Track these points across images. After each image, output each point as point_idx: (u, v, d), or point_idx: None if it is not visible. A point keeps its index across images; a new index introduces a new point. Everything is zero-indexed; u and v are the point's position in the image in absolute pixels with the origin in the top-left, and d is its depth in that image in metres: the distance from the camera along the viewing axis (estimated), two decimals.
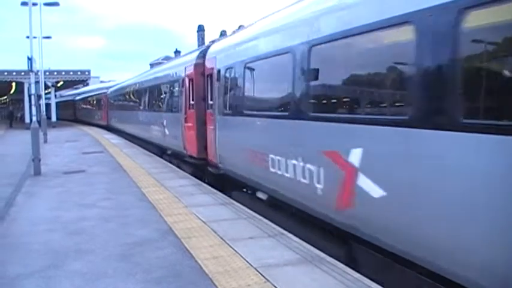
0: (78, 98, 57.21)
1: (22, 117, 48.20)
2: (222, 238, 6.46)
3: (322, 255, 5.73)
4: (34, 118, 15.61)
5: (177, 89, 14.68)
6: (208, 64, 11.76)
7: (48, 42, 63.60)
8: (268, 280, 4.92)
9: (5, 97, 79.11)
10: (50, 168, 14.01)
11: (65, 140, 25.83)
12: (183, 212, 8.08)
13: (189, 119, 13.05)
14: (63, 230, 7.23)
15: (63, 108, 62.69)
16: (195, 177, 12.13)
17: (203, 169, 12.57)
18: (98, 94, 42.18)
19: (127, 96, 26.89)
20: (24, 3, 23.87)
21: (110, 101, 34.65)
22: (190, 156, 13.11)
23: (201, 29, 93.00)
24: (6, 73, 43.80)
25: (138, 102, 23.08)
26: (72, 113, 59.14)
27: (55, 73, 47.28)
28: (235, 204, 8.68)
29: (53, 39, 49.95)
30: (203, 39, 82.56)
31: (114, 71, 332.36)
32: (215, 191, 10.10)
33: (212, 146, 11.14)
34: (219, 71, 10.54)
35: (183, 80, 13.57)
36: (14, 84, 48.64)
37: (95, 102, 44.30)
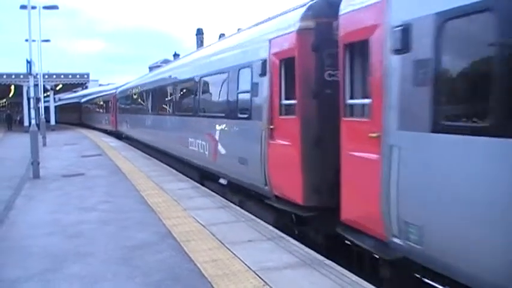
0: (83, 100, 51.49)
1: (21, 120, 48.18)
2: (221, 241, 6.48)
3: (321, 258, 5.75)
4: (33, 121, 15.60)
5: (247, 79, 8.84)
6: (353, 22, 5.92)
7: (47, 46, 63.56)
8: (267, 283, 4.93)
9: (4, 100, 79.15)
10: (49, 171, 14.02)
11: (63, 143, 25.83)
12: (182, 215, 8.09)
13: (281, 132, 7.53)
14: (62, 233, 7.24)
15: (67, 112, 60.43)
16: (277, 228, 7.28)
17: (308, 225, 7.45)
18: (105, 95, 37.58)
19: (142, 97, 21.57)
20: (23, 7, 23.89)
21: (120, 103, 29.22)
22: (279, 198, 7.69)
23: (200, 32, 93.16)
24: (5, 76, 43.80)
25: (160, 104, 17.58)
26: (78, 117, 53.96)
27: (54, 76, 47.29)
28: (234, 207, 8.69)
29: (52, 43, 49.72)
30: (202, 42, 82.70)
31: (113, 74, 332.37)
32: (214, 194, 10.12)
33: (369, 196, 5.42)
34: (405, 30, 4.81)
35: (265, 64, 7.97)
36: (13, 87, 48.64)
37: (101, 104, 39.15)
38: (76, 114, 55.10)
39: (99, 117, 39.91)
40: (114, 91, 32.78)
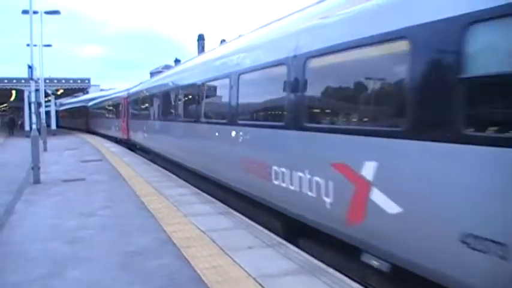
0: (91, 103, 46.82)
1: (22, 125, 48.27)
2: (221, 248, 6.47)
3: (321, 265, 5.75)
4: (34, 126, 15.62)
5: None
6: None
7: (49, 50, 63.77)
8: None
9: (5, 105, 79.25)
10: (49, 176, 14.02)
11: (64, 148, 25.85)
12: (182, 221, 8.09)
13: None
14: (62, 238, 7.24)
15: (73, 116, 58.40)
16: None
17: None
18: (114, 97, 33.24)
19: (172, 97, 15.38)
20: (25, 12, 24.03)
21: (133, 107, 24.36)
22: None
23: (201, 38, 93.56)
24: (6, 81, 44.00)
25: (207, 107, 11.62)
26: (84, 122, 49.66)
27: (55, 81, 47.47)
28: (235, 214, 8.69)
29: (54, 47, 49.71)
30: (203, 48, 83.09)
31: (114, 80, 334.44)
32: (214, 200, 10.11)
33: None
34: None
35: None
36: (14, 91, 48.77)
37: (110, 108, 34.46)
38: (82, 120, 50.99)
39: (108, 123, 34.80)
40: (125, 93, 28.18)
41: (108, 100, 36.16)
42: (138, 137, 22.26)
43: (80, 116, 53.60)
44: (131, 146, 24.77)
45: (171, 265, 5.85)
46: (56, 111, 60.40)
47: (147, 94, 20.15)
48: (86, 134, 41.92)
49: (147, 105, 20.23)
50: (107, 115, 36.36)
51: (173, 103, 15.20)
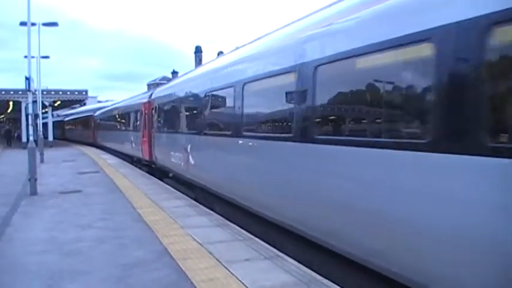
0: (98, 112, 40.88)
1: (19, 136, 48.20)
2: (218, 260, 6.46)
3: (318, 277, 5.75)
4: (31, 137, 15.61)
5: None
6: None
7: (47, 62, 63.76)
8: None
9: (2, 116, 79.19)
10: (46, 188, 13.99)
11: (61, 159, 25.81)
12: (179, 233, 8.08)
13: None
14: (59, 250, 7.21)
15: (79, 128, 55.46)
16: None
17: None
18: (130, 104, 25.74)
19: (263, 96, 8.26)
20: (23, 23, 24.09)
21: (160, 115, 17.14)
22: None
23: (198, 50, 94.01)
24: (3, 92, 43.96)
25: None
26: (91, 135, 43.85)
27: (52, 92, 47.42)
28: (232, 226, 8.68)
29: (51, 59, 49.55)
30: (201, 60, 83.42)
31: (111, 91, 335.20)
32: (211, 212, 10.10)
33: None
34: None
35: None
36: (11, 103, 48.75)
37: (123, 118, 27.39)
38: (89, 132, 45.05)
39: (120, 137, 27.40)
40: (144, 96, 21.61)
41: (120, 107, 29.56)
42: (172, 162, 14.56)
43: (85, 128, 48.89)
44: (155, 172, 18.05)
45: (168, 277, 5.83)
46: (61, 122, 59.52)
47: (200, 92, 11.70)
48: (84, 147, 41.54)
49: (196, 111, 12.43)
50: (118, 127, 29.40)
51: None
